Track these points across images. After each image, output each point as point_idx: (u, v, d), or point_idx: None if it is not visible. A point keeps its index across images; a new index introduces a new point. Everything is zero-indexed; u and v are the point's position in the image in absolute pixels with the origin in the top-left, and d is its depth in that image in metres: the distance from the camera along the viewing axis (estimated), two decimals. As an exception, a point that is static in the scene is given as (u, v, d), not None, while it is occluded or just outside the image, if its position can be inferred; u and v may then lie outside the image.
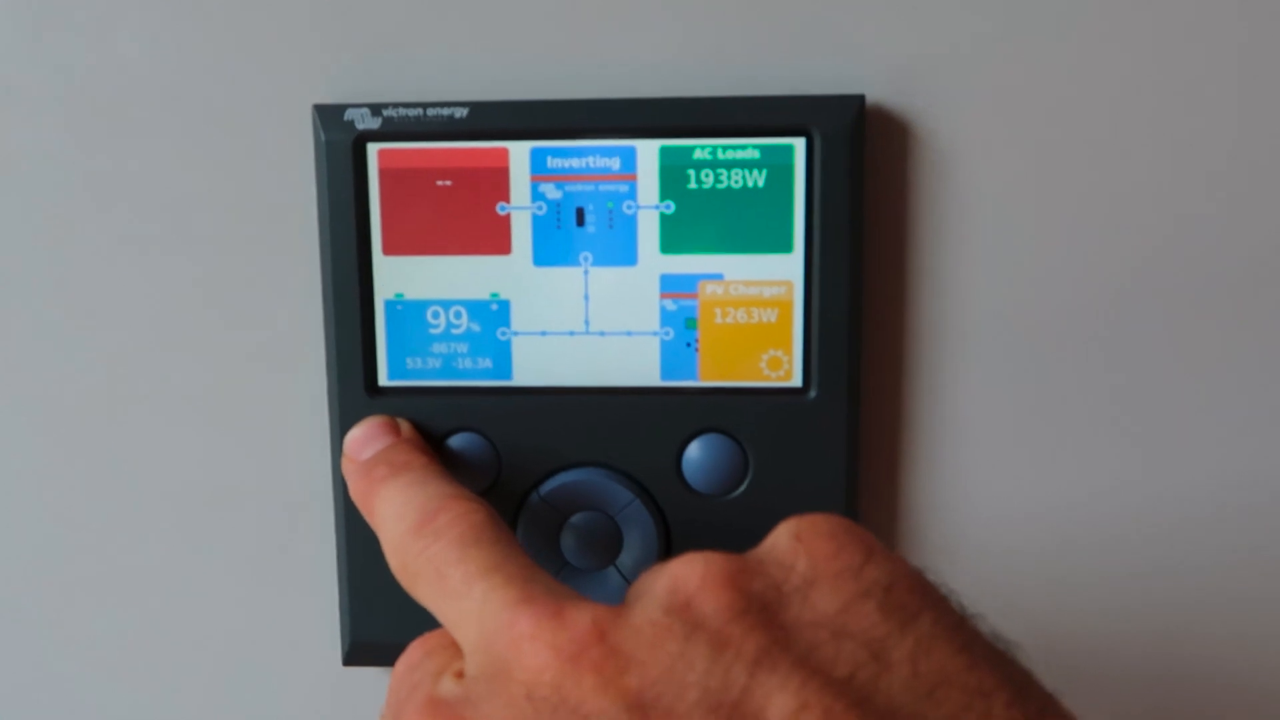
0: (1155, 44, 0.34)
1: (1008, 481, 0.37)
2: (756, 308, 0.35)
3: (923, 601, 0.24)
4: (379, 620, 0.37)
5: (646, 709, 0.22)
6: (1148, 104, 0.35)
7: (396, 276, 0.36)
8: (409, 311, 0.36)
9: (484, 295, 0.36)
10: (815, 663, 0.23)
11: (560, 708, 0.23)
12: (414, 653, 0.28)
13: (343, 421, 0.36)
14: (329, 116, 0.35)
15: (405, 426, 0.36)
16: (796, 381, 0.35)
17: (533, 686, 0.24)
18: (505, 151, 0.35)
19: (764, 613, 0.24)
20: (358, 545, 0.37)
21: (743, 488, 0.36)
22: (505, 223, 0.35)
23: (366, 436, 0.35)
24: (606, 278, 0.35)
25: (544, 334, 0.36)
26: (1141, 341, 0.36)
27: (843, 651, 0.23)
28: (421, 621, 0.37)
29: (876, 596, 0.24)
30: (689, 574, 0.24)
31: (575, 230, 0.35)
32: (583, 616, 0.24)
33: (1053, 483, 0.37)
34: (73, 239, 0.37)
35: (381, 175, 0.35)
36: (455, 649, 0.27)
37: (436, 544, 0.29)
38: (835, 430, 0.35)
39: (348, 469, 0.34)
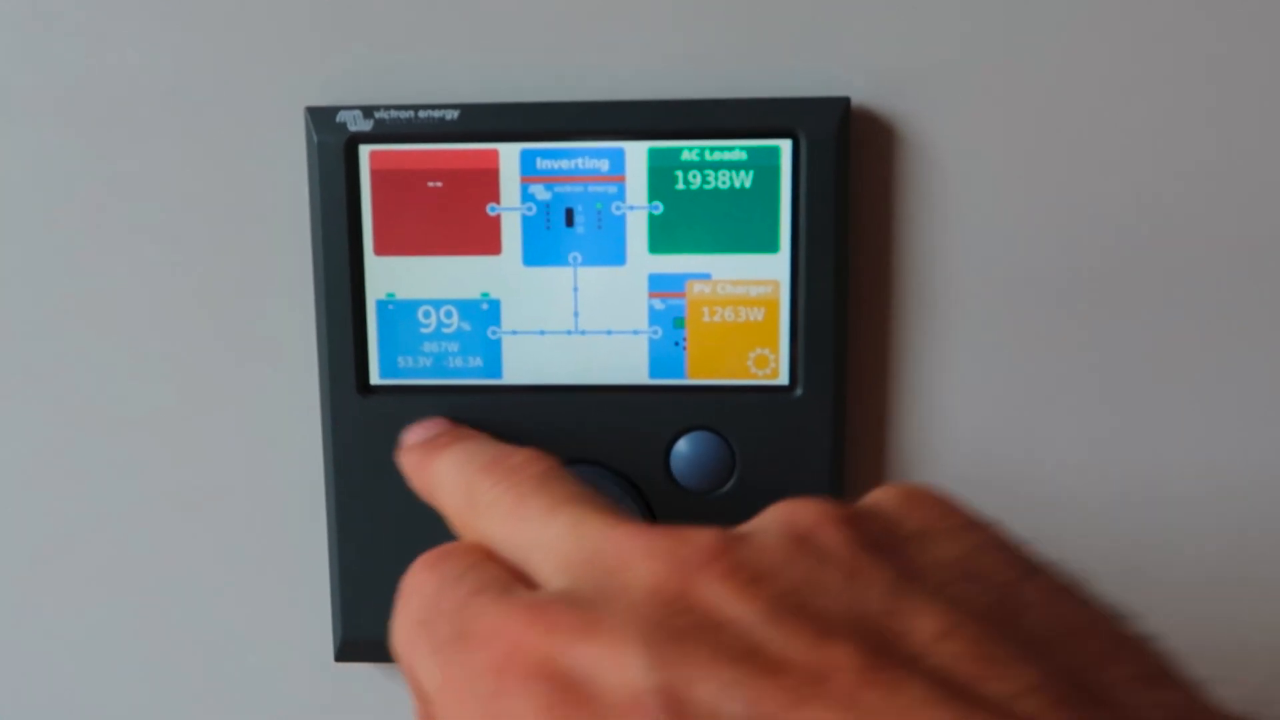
0: (1138, 47, 0.35)
1: (991, 478, 0.37)
2: (743, 307, 0.36)
3: (1036, 560, 0.24)
4: (370, 617, 0.38)
5: (787, 615, 0.22)
6: (1130, 106, 0.35)
7: (388, 276, 0.36)
8: (400, 311, 0.36)
9: (474, 295, 0.36)
10: (951, 595, 0.23)
11: (689, 613, 0.22)
12: (449, 562, 0.26)
13: (334, 420, 0.37)
14: (321, 118, 0.35)
15: (465, 427, 0.36)
16: (783, 380, 0.36)
17: (657, 590, 0.23)
18: (495, 153, 0.35)
19: (886, 550, 0.24)
20: (349, 542, 0.37)
21: (730, 484, 0.36)
22: (495, 223, 0.36)
23: (426, 426, 0.35)
24: (595, 277, 0.36)
25: (534, 333, 0.36)
26: (1122, 339, 0.36)
27: (973, 589, 0.23)
28: (413, 618, 0.37)
29: (993, 549, 0.24)
30: (803, 512, 0.24)
31: (564, 231, 0.35)
32: (700, 534, 0.23)
33: (1036, 480, 0.37)
34: (67, 239, 0.38)
35: (373, 176, 0.35)
36: (498, 562, 0.26)
37: (511, 477, 0.28)
38: (821, 427, 0.36)
39: (403, 452, 0.34)
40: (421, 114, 0.35)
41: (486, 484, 0.28)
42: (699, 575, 0.23)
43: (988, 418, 0.37)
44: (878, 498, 0.26)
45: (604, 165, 0.35)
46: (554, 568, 0.25)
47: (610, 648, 0.22)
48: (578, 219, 0.35)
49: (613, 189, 0.35)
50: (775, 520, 0.24)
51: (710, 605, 0.22)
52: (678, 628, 0.22)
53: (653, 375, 0.36)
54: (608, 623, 0.22)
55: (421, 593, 0.26)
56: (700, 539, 0.23)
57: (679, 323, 0.36)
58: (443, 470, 0.31)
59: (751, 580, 0.22)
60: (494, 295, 0.36)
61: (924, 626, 0.22)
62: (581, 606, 0.23)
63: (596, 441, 0.36)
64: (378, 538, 0.37)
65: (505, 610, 0.24)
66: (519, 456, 0.29)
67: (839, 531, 0.24)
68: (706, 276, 0.35)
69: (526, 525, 0.26)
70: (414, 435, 0.35)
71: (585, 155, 0.35)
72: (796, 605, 0.22)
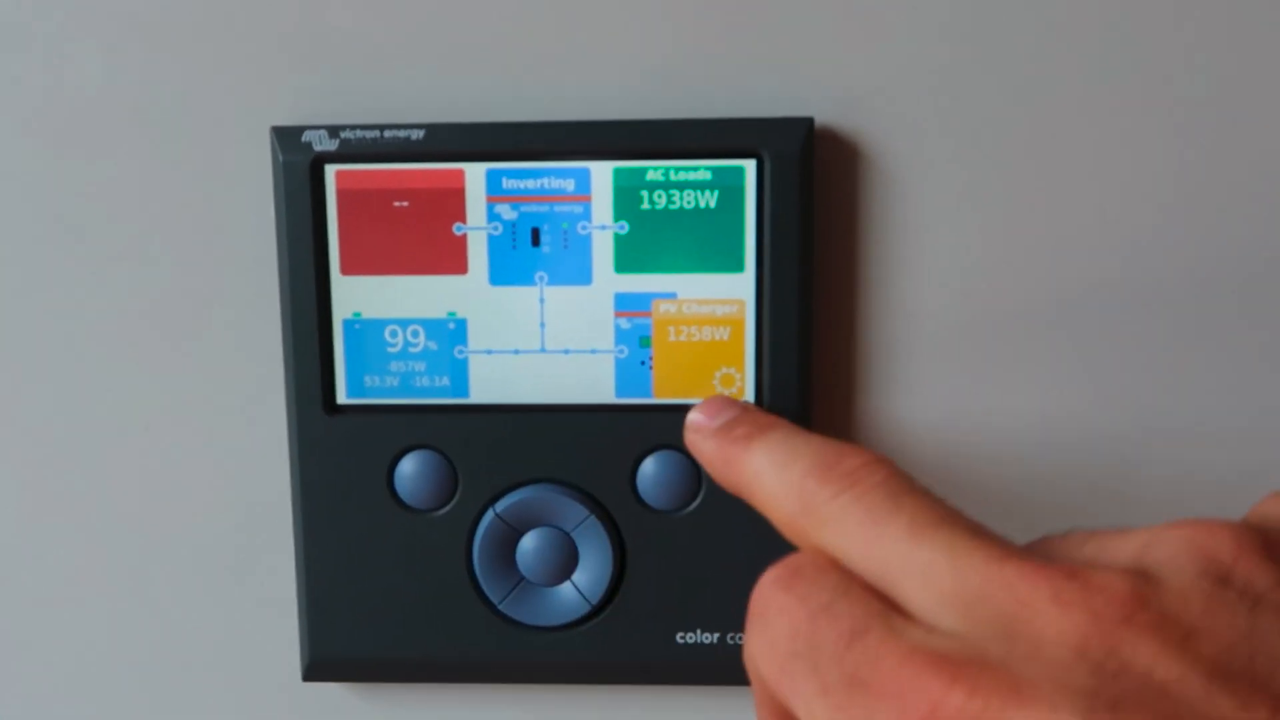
0: (1102, 65, 0.35)
1: (958, 496, 0.37)
2: (709, 326, 0.36)
3: None
4: (338, 636, 0.38)
5: (1233, 678, 0.20)
6: (1093, 123, 0.35)
7: (354, 296, 0.36)
8: (367, 330, 0.36)
9: (441, 314, 0.36)
10: None
11: (1125, 673, 0.20)
12: (812, 586, 0.24)
13: (300, 439, 0.37)
14: (287, 138, 0.35)
15: (748, 404, 0.33)
16: (749, 397, 0.36)
17: (1082, 648, 0.20)
18: (461, 173, 0.35)
19: None
20: (317, 561, 0.37)
21: (696, 503, 0.36)
22: (462, 243, 0.36)
23: (714, 408, 0.32)
24: (562, 297, 0.36)
25: (500, 352, 0.36)
26: (1086, 354, 0.37)
27: None
28: (380, 635, 0.37)
29: None
30: (1216, 542, 0.22)
31: (530, 250, 0.36)
32: (1114, 580, 0.21)
33: (1002, 498, 0.38)
34: (32, 259, 0.38)
35: (339, 196, 0.35)
36: (863, 585, 0.24)
37: (856, 488, 0.25)
38: (787, 446, 0.36)
39: (697, 438, 0.31)
40: (387, 134, 0.35)
41: (825, 492, 0.26)
42: (1125, 631, 0.21)
43: (953, 434, 0.37)
44: (1278, 512, 0.24)
45: (570, 185, 0.35)
46: (934, 601, 0.23)
47: (1045, 717, 0.20)
48: (544, 238, 0.35)
49: (578, 209, 0.35)
50: (1185, 553, 0.22)
51: (1144, 668, 0.20)
52: (1115, 697, 0.20)
53: (619, 394, 0.36)
54: (1039, 689, 0.20)
55: (789, 619, 0.24)
56: (1113, 585, 0.21)
57: (645, 342, 0.36)
58: (760, 468, 0.28)
59: (1185, 637, 0.20)
60: (460, 315, 0.36)
61: None
62: (1001, 665, 0.21)
63: (563, 460, 0.36)
64: (345, 557, 0.37)
65: (909, 659, 0.21)
66: (854, 459, 0.26)
67: (1265, 567, 0.21)
68: (672, 296, 0.36)
69: (889, 546, 0.24)
70: (703, 417, 0.32)
71: (551, 175, 0.35)
72: (1244, 666, 0.20)
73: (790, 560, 0.25)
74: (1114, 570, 0.22)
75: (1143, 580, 0.21)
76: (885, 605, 0.23)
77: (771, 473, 0.28)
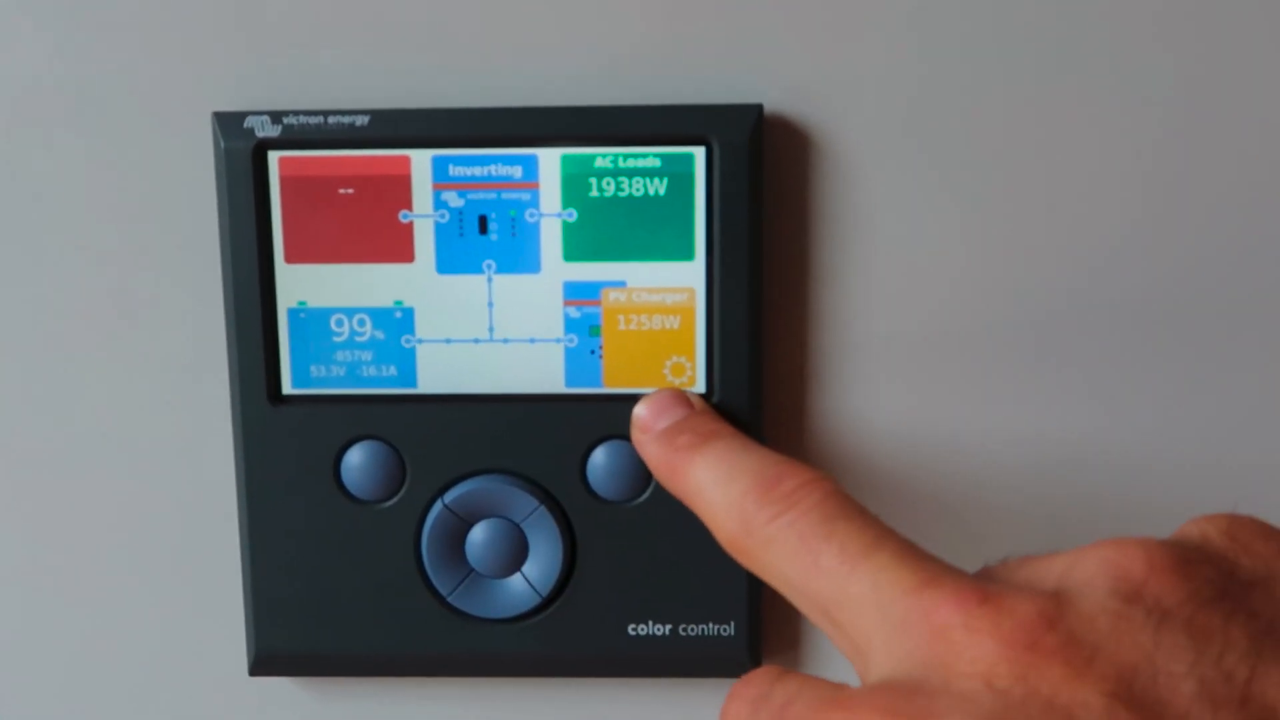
0: (1056, 56, 0.35)
1: (907, 480, 0.38)
2: (659, 314, 0.35)
3: None
4: (285, 630, 0.37)
5: (1134, 699, 0.21)
6: (1045, 113, 0.35)
7: (299, 284, 0.36)
8: (312, 319, 0.36)
9: (388, 303, 0.36)
10: None
11: (1029, 699, 0.21)
12: (753, 686, 0.26)
13: (245, 430, 0.36)
14: (229, 124, 0.35)
15: (696, 400, 0.34)
16: (700, 387, 0.36)
17: (989, 677, 0.21)
18: (407, 160, 0.35)
19: (1232, 601, 0.22)
20: (262, 554, 0.37)
21: (646, 494, 0.36)
22: (408, 231, 0.35)
23: (659, 407, 0.34)
24: (510, 285, 0.35)
25: (448, 341, 0.36)
26: (1037, 340, 0.37)
27: None
28: (328, 629, 0.37)
29: None
30: (1129, 560, 0.23)
31: (478, 238, 0.35)
32: (1022, 603, 0.22)
33: (952, 483, 0.38)
34: (-33, 247, 0.37)
35: (283, 183, 0.35)
36: (796, 675, 0.25)
37: (791, 512, 0.27)
38: (737, 436, 0.36)
39: (642, 440, 0.33)
40: (331, 119, 0.35)
41: (763, 515, 0.27)
42: (1030, 656, 0.21)
43: (903, 420, 0.37)
44: (1200, 531, 0.24)
45: (517, 172, 0.35)
46: (867, 632, 0.24)
47: None
48: (491, 226, 0.35)
49: (526, 196, 0.35)
50: (1100, 573, 0.23)
51: (1050, 690, 0.21)
52: None
53: (569, 384, 0.36)
54: (947, 719, 0.21)
55: (735, 712, 0.26)
56: (1023, 609, 0.22)
57: (595, 331, 0.36)
58: (703, 481, 0.30)
59: (1088, 659, 0.21)
60: (407, 303, 0.36)
61: None
62: (916, 696, 0.22)
63: (512, 451, 0.36)
64: (291, 549, 0.37)
65: (827, 709, 0.23)
66: (791, 480, 0.28)
67: (1175, 582, 0.22)
68: (622, 284, 0.35)
69: (820, 578, 0.25)
70: (647, 415, 0.34)
71: (498, 162, 0.35)
72: (1145, 685, 0.21)
73: (743, 677, 0.26)
74: (1025, 594, 0.22)
75: (1052, 603, 0.22)
76: (811, 682, 0.25)
77: (713, 489, 0.29)
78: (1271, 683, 0.21)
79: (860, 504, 0.27)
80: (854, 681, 0.25)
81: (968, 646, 0.22)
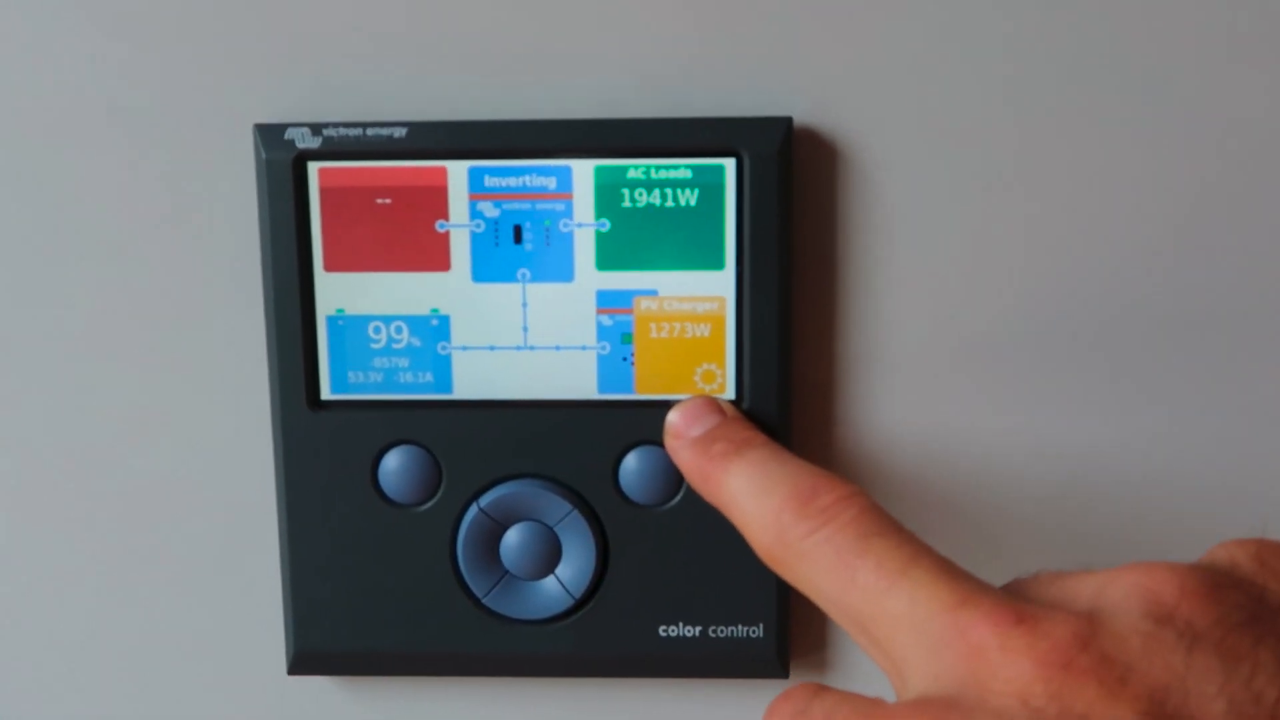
0: (1077, 64, 0.35)
1: (932, 490, 0.38)
2: (690, 323, 0.36)
3: None
4: (323, 630, 0.38)
5: (1166, 716, 0.21)
6: (1070, 125, 0.36)
7: (338, 292, 0.36)
8: (350, 326, 0.37)
9: (424, 311, 0.36)
10: None
11: (1065, 716, 0.22)
12: (791, 702, 0.26)
13: (285, 435, 0.37)
14: (270, 136, 0.35)
15: (728, 407, 0.35)
16: (730, 394, 0.36)
17: (1025, 696, 0.22)
18: (444, 170, 0.35)
19: (1261, 625, 0.22)
20: (301, 555, 0.38)
21: (678, 498, 0.37)
22: (444, 240, 0.36)
23: (692, 413, 0.34)
24: (544, 294, 0.36)
25: (484, 348, 0.37)
26: (1063, 348, 0.37)
27: None
28: (365, 629, 0.38)
29: None
30: (1161, 584, 0.23)
31: (513, 247, 0.36)
32: (1056, 624, 0.23)
33: (982, 489, 0.38)
34: (16, 258, 0.38)
35: (322, 193, 0.36)
36: (833, 692, 0.26)
37: (828, 527, 0.27)
38: (767, 441, 0.36)
39: (675, 445, 0.34)
40: (370, 131, 0.35)
41: (799, 529, 0.28)
42: (1064, 676, 0.22)
43: (929, 427, 0.38)
44: (1230, 556, 0.25)
45: (551, 183, 0.35)
46: (904, 648, 0.25)
47: None
48: (526, 236, 0.36)
49: (560, 206, 0.36)
50: (1133, 595, 0.23)
51: (1084, 709, 0.21)
52: None
53: (601, 390, 0.37)
54: None
55: None
56: (1056, 630, 0.22)
57: (627, 338, 0.36)
58: (739, 491, 0.30)
59: (1121, 679, 0.22)
60: (444, 311, 0.36)
61: None
62: (948, 712, 0.22)
63: (545, 456, 0.37)
64: (330, 551, 0.38)
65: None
66: (828, 495, 0.28)
67: (1206, 606, 0.23)
68: (653, 293, 0.36)
69: (857, 593, 0.26)
70: (681, 422, 0.34)
71: (533, 173, 0.35)
72: (1177, 704, 0.21)
73: (782, 693, 0.27)
74: (1060, 614, 0.23)
75: (1086, 623, 0.23)
76: (849, 697, 0.25)
77: (748, 499, 0.30)
78: None
79: (895, 519, 0.27)
80: (886, 693, 0.26)
81: (1003, 666, 0.22)
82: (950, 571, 0.25)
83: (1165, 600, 0.23)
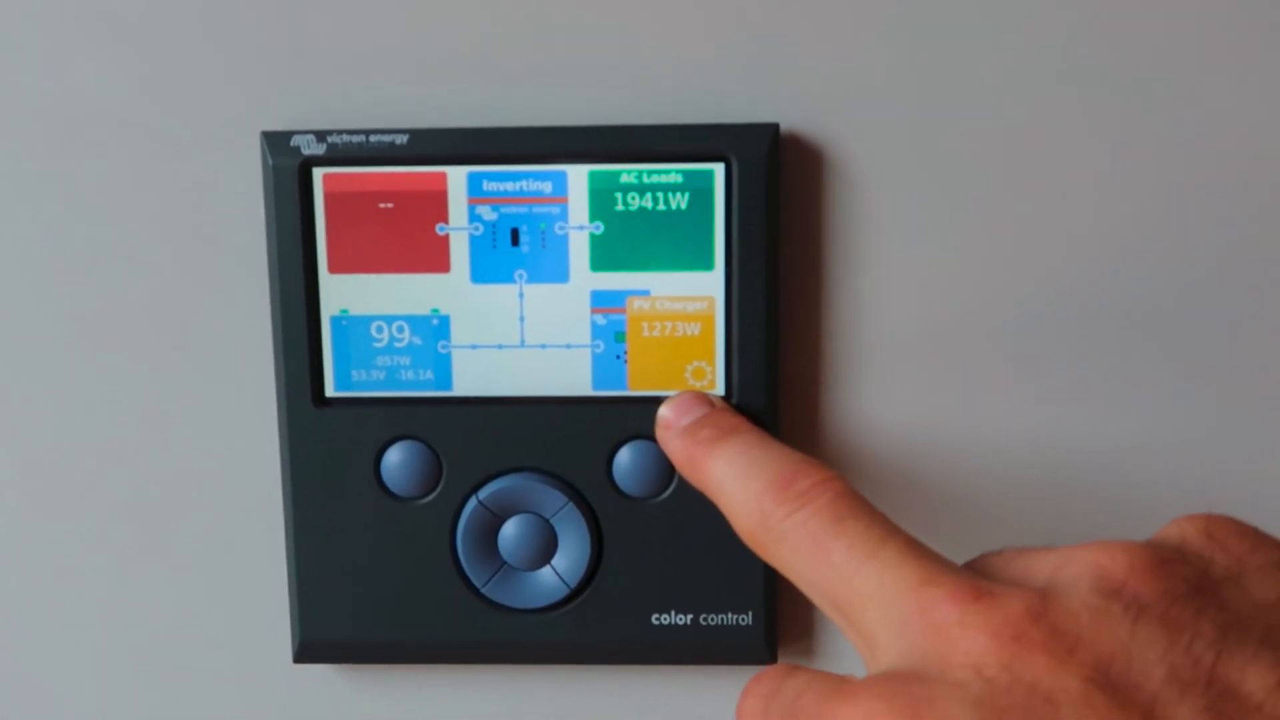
0: (1060, 71, 0.36)
1: (912, 478, 0.39)
2: (681, 322, 0.37)
3: None
4: (327, 619, 0.39)
5: (1110, 684, 0.22)
6: (1043, 129, 0.37)
7: (342, 293, 0.37)
8: (354, 326, 0.38)
9: (425, 311, 0.38)
10: (1277, 640, 0.23)
11: (1014, 685, 0.23)
12: (765, 682, 0.27)
13: (290, 431, 0.38)
14: (276, 142, 0.36)
15: (717, 400, 0.36)
16: (719, 390, 0.37)
17: (980, 667, 0.23)
18: (444, 176, 0.37)
19: (1204, 597, 0.24)
20: (307, 545, 0.39)
21: (669, 491, 0.38)
22: (444, 242, 0.37)
23: (683, 406, 0.35)
24: (540, 294, 0.37)
25: (482, 347, 0.38)
26: (1043, 350, 0.38)
27: None
28: (368, 619, 0.39)
29: None
30: (1111, 561, 0.24)
31: (510, 250, 0.37)
32: (1011, 600, 0.24)
33: (963, 483, 0.39)
34: (29, 259, 0.39)
35: (326, 198, 0.37)
36: (805, 670, 0.27)
37: (805, 509, 0.28)
38: (755, 436, 0.37)
39: (666, 436, 0.35)
40: (372, 138, 0.36)
41: (779, 512, 0.29)
42: (1016, 647, 0.23)
43: (913, 427, 0.39)
44: (1180, 532, 0.26)
45: (547, 187, 0.37)
46: (873, 625, 0.26)
47: None
48: (523, 238, 0.37)
49: (556, 210, 0.37)
50: (1084, 572, 0.24)
51: (1032, 678, 0.23)
52: (1004, 707, 0.22)
53: (595, 387, 0.38)
54: (940, 704, 0.23)
55: (749, 708, 0.27)
56: (1012, 605, 0.24)
57: (620, 337, 0.37)
58: (722, 475, 0.31)
59: (1070, 649, 0.23)
60: (444, 311, 0.37)
61: (1257, 678, 0.22)
62: (914, 684, 0.23)
63: (542, 450, 0.38)
64: (334, 543, 0.39)
65: (832, 699, 0.24)
66: (806, 479, 0.29)
67: (1152, 581, 0.24)
68: (646, 293, 0.37)
69: (830, 573, 0.27)
70: (671, 414, 0.35)
71: (529, 178, 0.37)
72: (1120, 671, 0.22)
73: (756, 675, 0.28)
74: (1015, 590, 0.24)
75: (1039, 598, 0.24)
76: (818, 676, 0.26)
77: (732, 483, 0.31)
78: (1235, 666, 0.22)
79: (869, 503, 0.29)
80: (861, 671, 0.27)
81: (961, 640, 0.24)
82: (917, 552, 0.26)
83: (1115, 576, 0.24)
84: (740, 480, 0.31)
